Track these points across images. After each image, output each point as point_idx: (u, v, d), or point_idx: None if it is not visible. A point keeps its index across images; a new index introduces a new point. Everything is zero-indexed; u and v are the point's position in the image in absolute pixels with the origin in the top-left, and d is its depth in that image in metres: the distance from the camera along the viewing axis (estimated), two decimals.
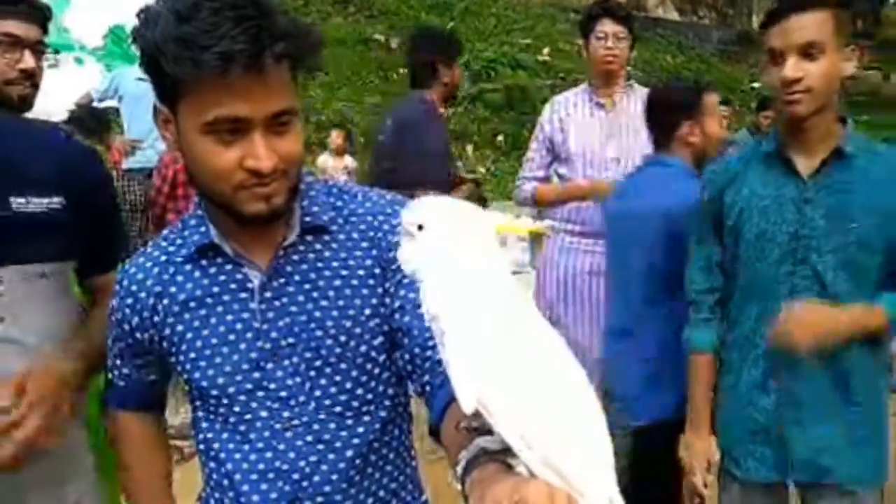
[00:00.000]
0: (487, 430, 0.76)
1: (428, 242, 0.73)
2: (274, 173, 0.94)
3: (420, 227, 0.73)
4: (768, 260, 1.60)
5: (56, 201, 1.25)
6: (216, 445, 1.08)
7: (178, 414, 3.20)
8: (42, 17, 1.59)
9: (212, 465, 1.10)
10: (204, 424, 1.10)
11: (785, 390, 1.62)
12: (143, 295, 1.08)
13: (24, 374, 1.15)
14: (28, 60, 1.56)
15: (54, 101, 3.87)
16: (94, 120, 3.54)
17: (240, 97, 0.90)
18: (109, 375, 1.18)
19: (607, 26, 2.62)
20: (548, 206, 2.79)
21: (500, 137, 8.18)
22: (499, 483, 0.67)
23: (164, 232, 1.14)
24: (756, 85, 9.96)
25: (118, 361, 1.16)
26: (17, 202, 1.22)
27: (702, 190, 1.73)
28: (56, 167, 1.27)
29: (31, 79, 1.60)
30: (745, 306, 1.66)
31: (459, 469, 0.76)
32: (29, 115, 1.74)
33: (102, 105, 5.04)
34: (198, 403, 1.10)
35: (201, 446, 1.11)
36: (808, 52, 1.51)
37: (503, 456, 0.73)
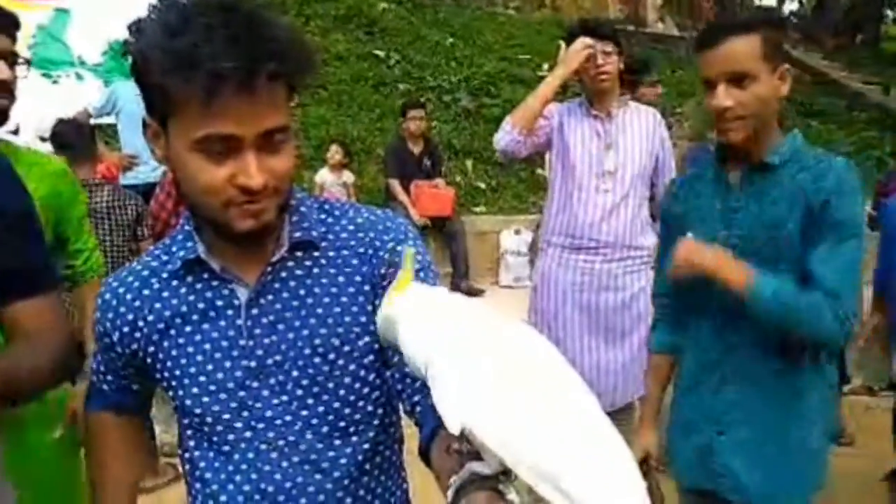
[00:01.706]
0: (478, 454, 0.74)
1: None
2: (265, 190, 0.93)
3: None
4: None
5: None
6: (201, 465, 1.06)
7: (171, 431, 3.18)
8: (11, 27, 1.57)
9: (197, 485, 1.08)
10: (190, 443, 1.08)
11: (715, 394, 1.65)
12: (122, 309, 1.06)
13: None
14: (4, 71, 1.55)
15: (52, 117, 3.87)
16: (76, 135, 3.44)
17: (231, 115, 0.88)
18: (93, 379, 1.17)
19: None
20: (528, 118, 2.61)
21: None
22: None
23: (151, 248, 1.12)
24: None
25: (101, 368, 1.15)
26: None
27: (663, 200, 1.84)
28: None
29: (8, 90, 1.59)
30: (690, 310, 1.73)
31: (450, 494, 0.74)
32: (23, 132, 1.73)
33: (100, 121, 5.03)
34: (184, 421, 1.08)
35: (187, 466, 1.09)
36: (737, 80, 1.49)
37: (494, 482, 0.71)
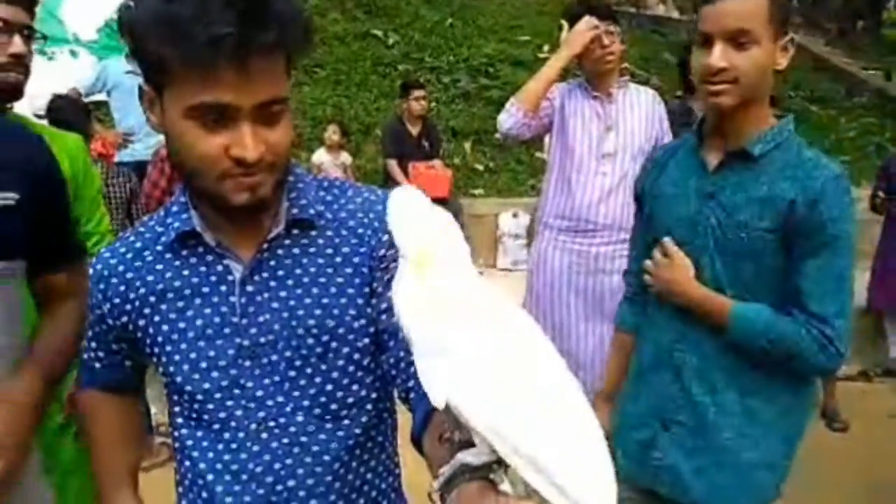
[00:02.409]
0: (470, 443, 0.72)
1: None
2: (260, 163, 0.91)
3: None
4: None
5: (10, 197, 1.19)
6: (190, 443, 1.05)
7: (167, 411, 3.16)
8: (29, 1, 1.55)
9: (186, 464, 1.06)
10: (179, 420, 1.06)
11: (668, 384, 1.56)
12: (114, 281, 1.04)
13: None
14: (18, 45, 1.52)
15: (46, 94, 3.82)
16: (72, 111, 3.41)
17: (227, 84, 0.86)
18: (84, 357, 1.16)
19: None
20: (533, 100, 2.59)
21: (498, 134, 8.15)
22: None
23: (145, 219, 1.10)
24: None
25: (93, 344, 1.13)
26: None
27: (639, 176, 1.74)
28: (13, 162, 1.21)
29: (22, 64, 1.56)
30: (649, 292, 1.64)
31: (439, 484, 0.72)
32: (17, 109, 1.70)
33: (90, 99, 4.97)
34: (174, 398, 1.06)
35: (176, 444, 1.08)
36: (738, 39, 1.40)
37: (486, 472, 0.69)
